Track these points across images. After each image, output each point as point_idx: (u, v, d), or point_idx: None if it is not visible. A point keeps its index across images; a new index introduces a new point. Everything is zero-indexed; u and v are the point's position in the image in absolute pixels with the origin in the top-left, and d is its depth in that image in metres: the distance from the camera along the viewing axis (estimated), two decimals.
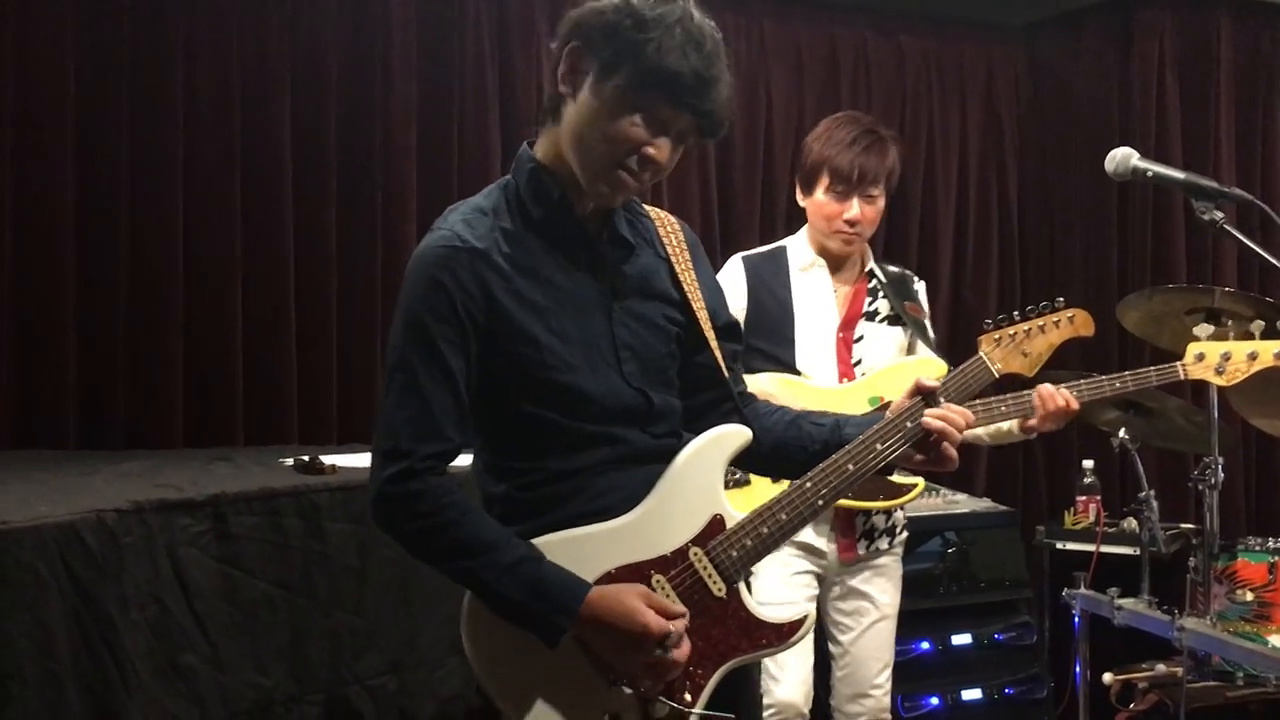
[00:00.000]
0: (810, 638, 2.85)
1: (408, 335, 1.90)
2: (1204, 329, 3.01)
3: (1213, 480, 3.30)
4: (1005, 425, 3.10)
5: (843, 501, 2.69)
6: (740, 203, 4.76)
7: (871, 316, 3.17)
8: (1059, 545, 4.39)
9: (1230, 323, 3.15)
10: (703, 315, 2.10)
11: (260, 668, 2.61)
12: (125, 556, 2.37)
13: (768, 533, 1.98)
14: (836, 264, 3.18)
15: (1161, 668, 3.85)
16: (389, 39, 4.17)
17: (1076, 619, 3.61)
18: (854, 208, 3.06)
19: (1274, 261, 2.24)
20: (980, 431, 3.14)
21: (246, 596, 2.61)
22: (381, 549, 2.84)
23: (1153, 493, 3.55)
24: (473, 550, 1.86)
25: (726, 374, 2.13)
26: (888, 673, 3.19)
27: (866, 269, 3.21)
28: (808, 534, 3.02)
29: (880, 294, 3.20)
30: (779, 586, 3.01)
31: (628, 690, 1.90)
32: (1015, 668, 4.18)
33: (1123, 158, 2.38)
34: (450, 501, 1.87)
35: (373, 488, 1.89)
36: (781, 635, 1.99)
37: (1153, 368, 2.97)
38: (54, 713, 2.20)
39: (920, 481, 2.98)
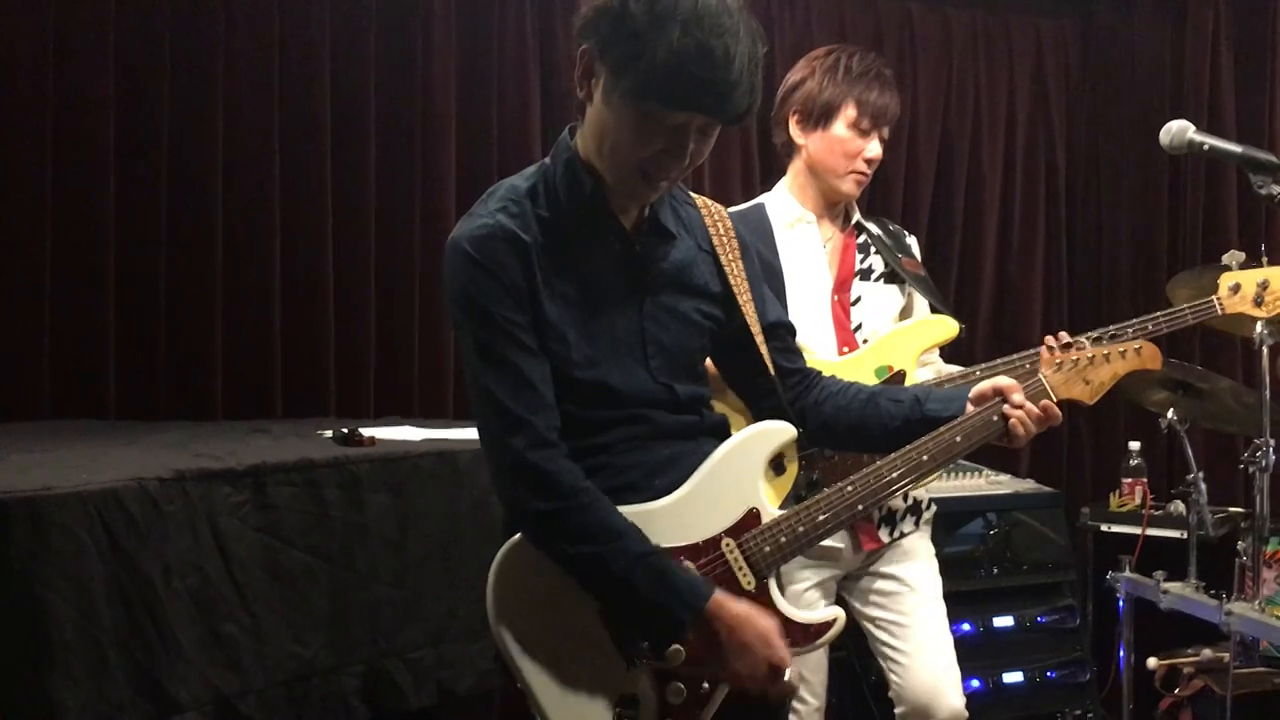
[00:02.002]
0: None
1: (473, 322, 1.90)
2: (1234, 256, 2.83)
3: (1264, 463, 3.28)
4: None
5: None
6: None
7: (866, 275, 2.98)
8: (1104, 528, 4.38)
9: None
10: (749, 310, 2.10)
11: (300, 638, 2.64)
12: (167, 525, 2.40)
13: (803, 531, 1.99)
14: (826, 218, 2.98)
15: (1208, 653, 3.84)
16: (429, 9, 4.18)
17: (1121, 602, 3.61)
18: (876, 146, 2.90)
19: None
20: None
21: (286, 567, 2.63)
22: (422, 521, 2.87)
23: (1201, 475, 3.54)
24: (602, 537, 1.88)
25: (773, 370, 2.13)
26: (950, 654, 2.90)
27: (853, 221, 3.01)
28: None
29: (872, 249, 3.00)
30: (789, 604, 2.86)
31: (647, 670, 1.92)
32: (1058, 651, 4.17)
33: (1179, 130, 2.37)
34: (585, 486, 1.89)
35: (504, 458, 1.89)
36: (809, 635, 1.99)
37: (1187, 305, 2.84)
38: (96, 679, 2.23)
39: None
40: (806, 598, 2.82)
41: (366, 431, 3.03)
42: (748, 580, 1.96)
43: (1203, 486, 3.52)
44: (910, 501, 2.93)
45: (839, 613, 2.02)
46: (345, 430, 3.03)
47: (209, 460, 2.62)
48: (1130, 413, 4.66)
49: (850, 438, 2.19)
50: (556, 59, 4.35)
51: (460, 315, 1.93)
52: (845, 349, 2.88)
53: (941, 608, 2.94)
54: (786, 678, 1.89)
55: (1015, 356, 2.73)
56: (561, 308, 1.92)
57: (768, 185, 4.70)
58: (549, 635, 1.93)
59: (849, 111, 2.86)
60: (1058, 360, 2.23)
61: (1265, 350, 3.11)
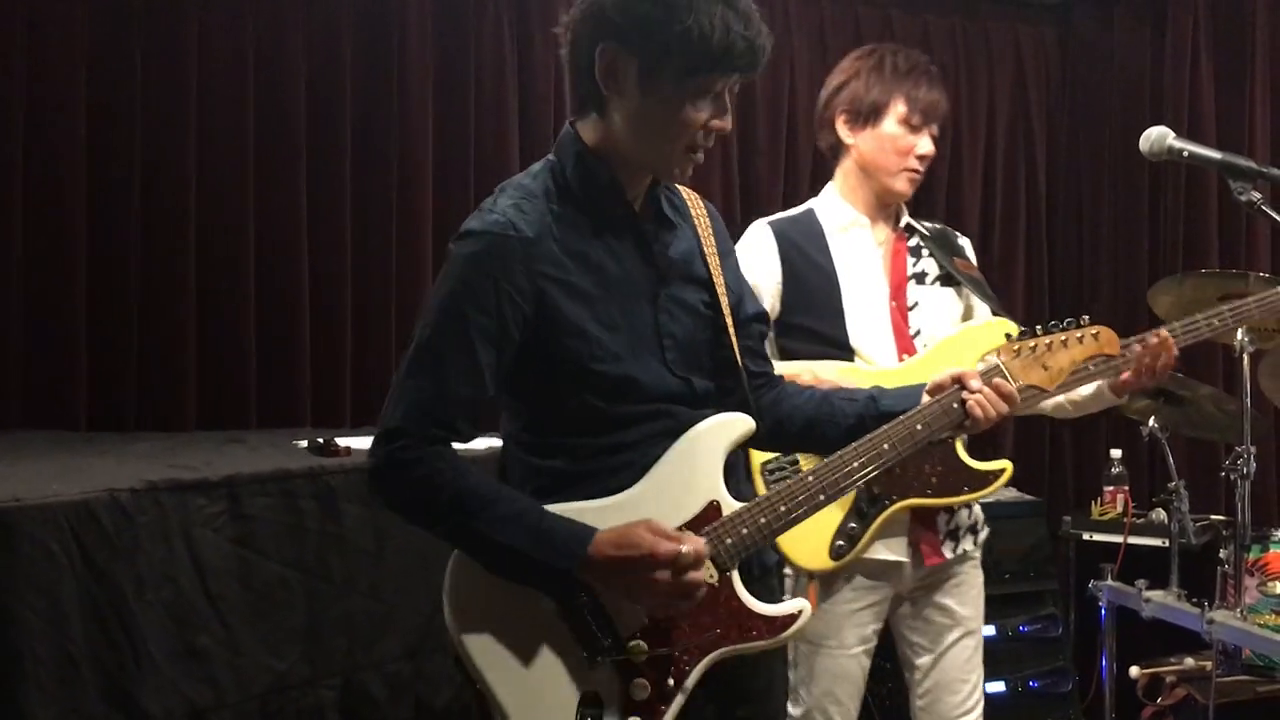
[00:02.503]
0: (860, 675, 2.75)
1: (442, 319, 1.90)
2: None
3: (1245, 470, 3.29)
4: (1088, 389, 2.86)
5: (921, 501, 2.64)
6: (764, 186, 4.77)
7: (920, 279, 2.87)
8: (1085, 536, 4.40)
9: None
10: (724, 302, 2.11)
11: (275, 651, 2.64)
12: (140, 536, 2.39)
13: (765, 522, 1.98)
14: (878, 220, 2.89)
15: (1190, 662, 3.84)
16: (405, 16, 4.18)
17: (1103, 611, 3.62)
18: (928, 142, 2.82)
19: None
20: (1061, 399, 2.90)
21: (261, 578, 2.63)
22: (399, 532, 2.86)
23: (1183, 483, 3.56)
24: (471, 506, 1.87)
25: (741, 363, 2.13)
26: (977, 694, 2.85)
27: (903, 224, 2.92)
28: (878, 548, 2.69)
29: (924, 252, 2.90)
30: (841, 625, 2.73)
31: (611, 666, 1.91)
32: (1040, 660, 4.18)
33: (1158, 137, 2.38)
34: (445, 465, 1.88)
35: (371, 463, 1.90)
36: (774, 628, 1.98)
37: (1251, 297, 2.81)
38: (68, 693, 2.23)
39: (1008, 465, 2.70)
40: (857, 618, 2.74)
41: (343, 441, 3.03)
42: (710, 573, 1.93)
43: (1184, 494, 3.54)
44: (971, 519, 2.84)
45: (804, 604, 2.01)
46: (321, 440, 3.03)
47: (182, 471, 2.62)
48: (1111, 421, 4.68)
49: (804, 437, 2.20)
50: (534, 66, 4.36)
51: (436, 302, 1.92)
52: (905, 355, 2.80)
53: (980, 642, 2.89)
54: (685, 549, 1.86)
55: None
56: (580, 304, 1.93)
57: (748, 198, 4.72)
58: (508, 636, 1.92)
59: (899, 108, 2.80)
60: (1015, 348, 2.25)
61: (1246, 357, 3.12)
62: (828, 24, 4.93)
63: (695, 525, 1.96)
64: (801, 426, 2.17)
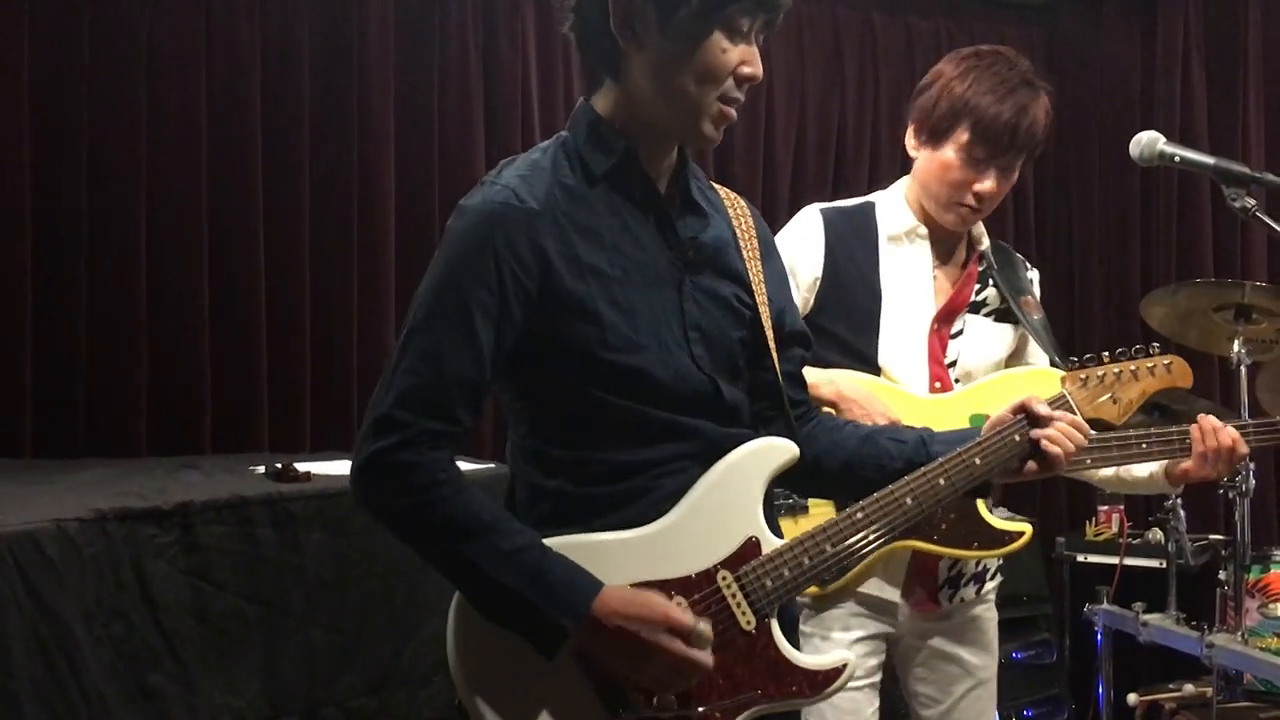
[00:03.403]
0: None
1: (439, 296, 1.78)
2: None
3: (1244, 488, 3.31)
4: (1142, 471, 2.67)
5: (923, 545, 2.47)
6: (742, 193, 4.75)
7: (977, 308, 2.67)
8: (1080, 558, 4.41)
9: (1262, 319, 3.17)
10: (765, 315, 1.99)
11: (232, 687, 2.61)
12: (87, 568, 2.37)
13: (809, 564, 1.86)
14: (942, 236, 2.65)
15: (1190, 688, 3.85)
16: (365, 16, 4.18)
17: (1099, 636, 3.64)
18: (990, 180, 2.52)
19: None
20: (1108, 473, 2.71)
21: (217, 611, 2.61)
22: (363, 560, 2.84)
23: (1180, 502, 3.57)
24: (467, 530, 1.74)
25: (783, 383, 2.02)
26: None
27: (980, 248, 2.69)
28: (874, 584, 2.54)
29: (990, 281, 2.68)
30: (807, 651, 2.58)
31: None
32: (1034, 688, 4.20)
33: (1148, 142, 2.39)
34: (445, 478, 1.75)
35: (358, 458, 1.76)
36: (816, 684, 1.86)
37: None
38: None
39: (1028, 528, 2.54)
40: (855, 649, 2.54)
41: (302, 466, 3.02)
42: (747, 620, 1.83)
43: (1181, 513, 3.56)
44: (979, 566, 2.66)
45: (848, 657, 1.90)
46: (279, 465, 3.01)
47: (133, 499, 2.60)
48: None
49: (843, 477, 2.04)
50: (500, 67, 4.36)
51: (431, 280, 1.81)
52: (937, 384, 2.61)
53: (994, 690, 2.73)
54: (703, 626, 1.75)
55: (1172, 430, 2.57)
56: (593, 284, 1.81)
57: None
58: (519, 685, 1.79)
59: (964, 130, 2.50)
60: (1082, 376, 2.18)
61: (1243, 370, 3.14)
62: (805, 26, 4.95)
63: (732, 564, 1.84)
64: (841, 466, 2.03)
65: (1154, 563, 4.07)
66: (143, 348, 3.84)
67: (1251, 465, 3.33)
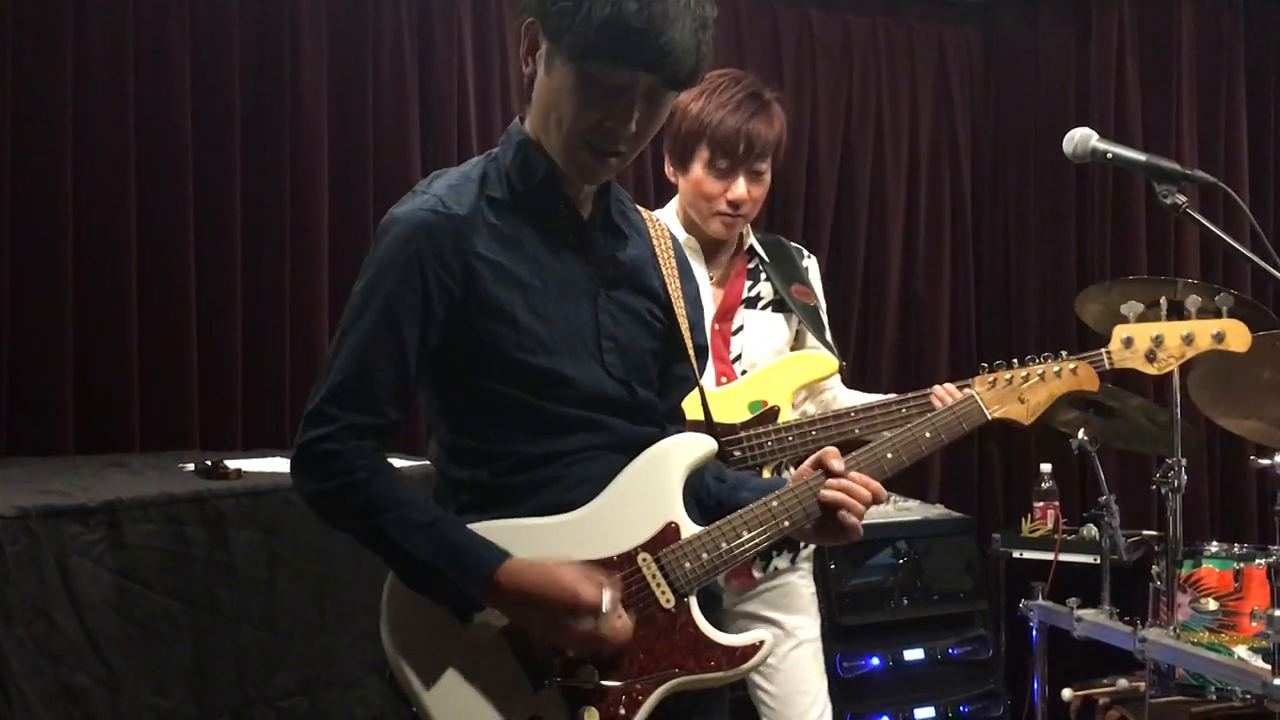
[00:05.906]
0: None
1: (367, 299, 1.92)
2: (1132, 307, 2.78)
3: (1176, 483, 3.36)
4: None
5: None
6: (672, 194, 4.76)
7: (753, 303, 2.94)
8: (1015, 554, 4.45)
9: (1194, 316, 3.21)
10: (684, 326, 2.13)
11: (159, 688, 2.59)
12: (9, 567, 2.34)
13: (726, 548, 1.98)
14: (711, 244, 2.93)
15: (1123, 682, 3.89)
16: (297, 13, 4.14)
17: (1034, 631, 3.67)
18: (740, 186, 2.82)
19: (1237, 246, 2.29)
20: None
21: (144, 611, 2.58)
22: (293, 558, 2.83)
23: (1113, 497, 3.62)
24: (382, 507, 1.88)
25: (700, 387, 2.15)
26: (820, 706, 2.94)
27: (746, 246, 2.97)
28: None
29: (762, 275, 2.96)
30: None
31: (558, 691, 1.90)
32: (970, 684, 4.23)
33: (1081, 138, 2.42)
34: (365, 464, 1.89)
35: (294, 450, 1.91)
36: (734, 659, 1.96)
37: (1074, 358, 2.71)
38: None
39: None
40: None
41: (233, 464, 2.99)
42: (667, 598, 1.94)
43: (1115, 509, 3.60)
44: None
45: (765, 635, 2.00)
46: (210, 463, 2.98)
47: (57, 497, 2.56)
48: (1041, 434, 4.75)
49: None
50: (435, 66, 4.34)
51: (361, 284, 1.94)
52: (723, 379, 2.86)
53: (818, 650, 2.97)
54: (606, 608, 1.85)
55: (910, 396, 2.73)
56: (512, 291, 1.93)
57: (656, 209, 4.71)
58: (448, 656, 1.91)
59: (703, 150, 2.81)
60: (991, 379, 2.24)
61: (1177, 368, 3.19)
62: (744, 24, 4.96)
63: (652, 546, 1.96)
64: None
65: (1088, 559, 4.12)
66: (68, 342, 3.78)
67: (1184, 462, 3.38)
